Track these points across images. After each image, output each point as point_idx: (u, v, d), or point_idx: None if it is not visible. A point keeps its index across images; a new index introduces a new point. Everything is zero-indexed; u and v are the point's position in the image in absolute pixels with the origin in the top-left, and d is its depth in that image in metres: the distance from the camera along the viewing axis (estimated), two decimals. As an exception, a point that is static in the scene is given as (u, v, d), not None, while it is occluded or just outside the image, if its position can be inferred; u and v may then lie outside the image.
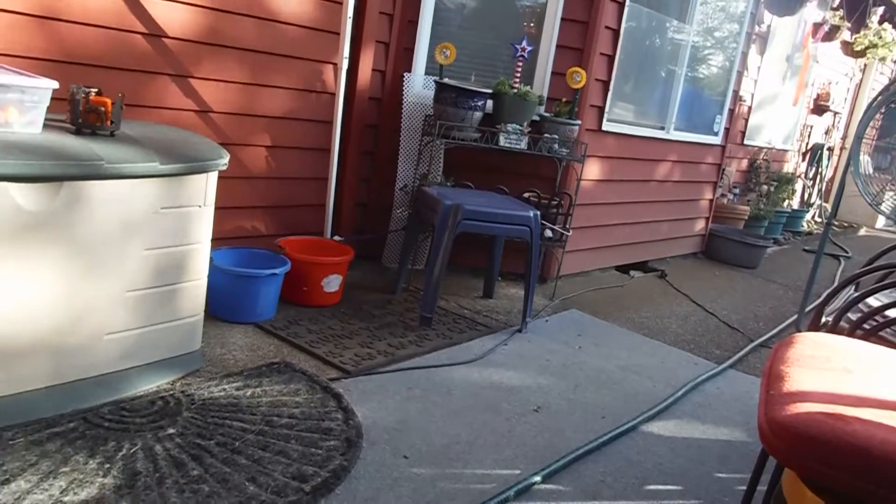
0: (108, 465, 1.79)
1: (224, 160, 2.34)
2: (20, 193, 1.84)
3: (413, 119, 3.79)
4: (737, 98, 5.63)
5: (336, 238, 3.59)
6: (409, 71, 3.79)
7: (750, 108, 6.50)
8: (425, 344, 2.96)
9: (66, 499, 1.65)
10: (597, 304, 3.96)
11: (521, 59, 3.72)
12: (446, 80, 3.58)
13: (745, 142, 6.71)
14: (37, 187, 1.87)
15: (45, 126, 2.05)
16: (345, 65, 3.30)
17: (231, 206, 3.18)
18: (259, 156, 3.30)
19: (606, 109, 4.14)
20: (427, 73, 3.84)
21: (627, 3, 4.02)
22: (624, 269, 4.89)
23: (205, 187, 2.30)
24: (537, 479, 2.11)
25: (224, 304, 2.77)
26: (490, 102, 3.67)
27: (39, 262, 1.92)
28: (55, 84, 2.03)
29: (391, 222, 3.88)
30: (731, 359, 3.43)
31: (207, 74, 3.01)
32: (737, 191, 6.80)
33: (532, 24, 3.99)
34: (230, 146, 3.05)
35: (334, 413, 2.24)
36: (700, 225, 5.73)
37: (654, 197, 4.95)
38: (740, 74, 5.52)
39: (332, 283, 3.18)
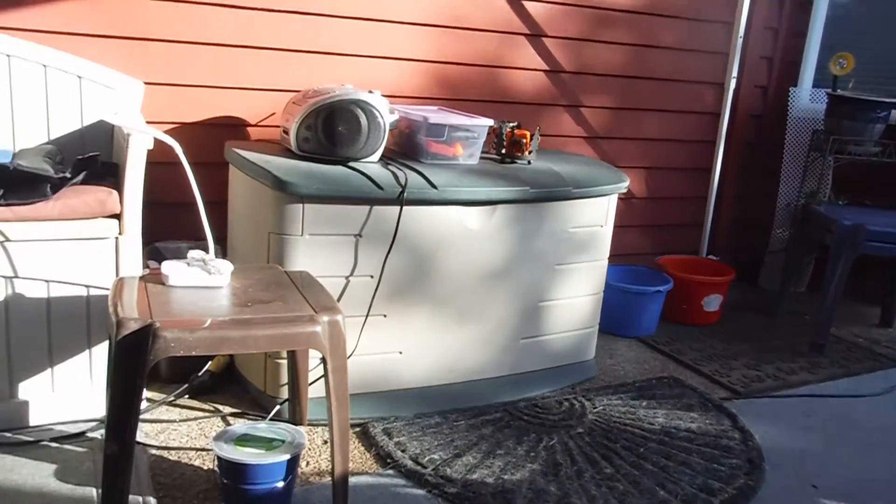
0: (532, 454, 2.05)
1: (624, 184, 2.51)
2: (467, 215, 2.20)
3: (798, 135, 3.60)
4: None
5: (711, 257, 3.57)
6: (795, 85, 3.62)
7: None
8: (819, 372, 2.80)
9: (505, 476, 1.92)
10: None
11: (935, 61, 3.32)
12: (839, 91, 3.35)
13: None
14: (478, 210, 2.22)
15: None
16: (732, 84, 3.28)
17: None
18: (639, 177, 3.43)
19: None
20: (813, 85, 3.62)
21: None
22: None
23: (606, 209, 2.49)
24: (977, 533, 1.88)
25: (610, 318, 2.93)
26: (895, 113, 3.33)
27: (477, 274, 2.26)
28: (491, 121, 2.39)
29: (771, 242, 3.73)
30: None
31: (595, 102, 3.24)
32: None
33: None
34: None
35: (731, 432, 2.25)
36: None
37: None
38: None
39: (712, 303, 3.17)
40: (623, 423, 2.26)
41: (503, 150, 2.52)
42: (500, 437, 2.12)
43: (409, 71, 2.83)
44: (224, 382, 2.29)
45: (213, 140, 2.48)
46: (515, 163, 2.49)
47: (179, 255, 2.28)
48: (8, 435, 1.92)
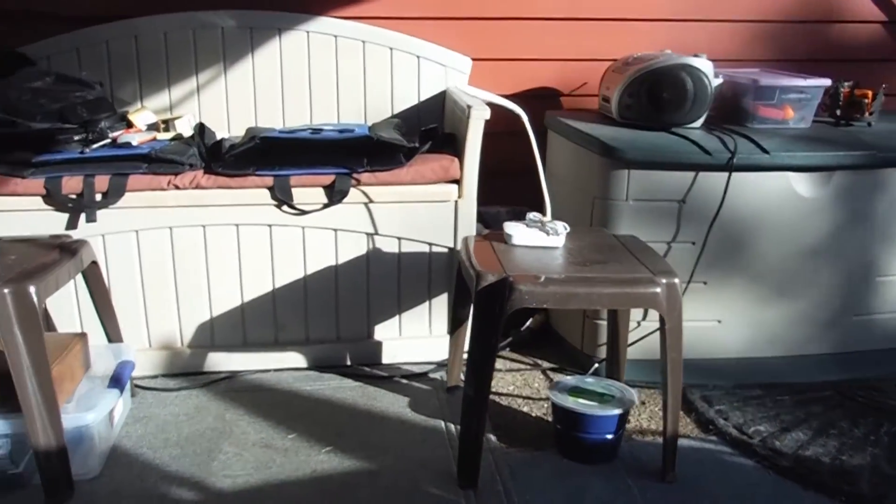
0: (873, 437, 1.90)
1: None
2: (800, 182, 2.08)
3: None
4: None
5: None
6: None
7: None
8: None
9: (843, 457, 1.82)
10: None
11: None
12: None
13: None
14: (812, 176, 2.08)
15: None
16: None
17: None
18: None
19: None
20: None
21: None
22: None
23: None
24: None
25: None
26: None
27: (806, 244, 2.14)
28: (827, 81, 2.22)
29: None
30: None
31: (944, 55, 2.85)
32: None
33: None
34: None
35: None
36: None
37: None
38: None
39: None
40: (984, 418, 2.01)
41: (838, 112, 2.33)
42: (831, 417, 2.00)
43: (725, 32, 2.72)
44: (540, 339, 2.43)
45: (530, 110, 2.60)
46: (852, 125, 2.30)
47: (499, 218, 2.45)
48: (367, 369, 2.24)
